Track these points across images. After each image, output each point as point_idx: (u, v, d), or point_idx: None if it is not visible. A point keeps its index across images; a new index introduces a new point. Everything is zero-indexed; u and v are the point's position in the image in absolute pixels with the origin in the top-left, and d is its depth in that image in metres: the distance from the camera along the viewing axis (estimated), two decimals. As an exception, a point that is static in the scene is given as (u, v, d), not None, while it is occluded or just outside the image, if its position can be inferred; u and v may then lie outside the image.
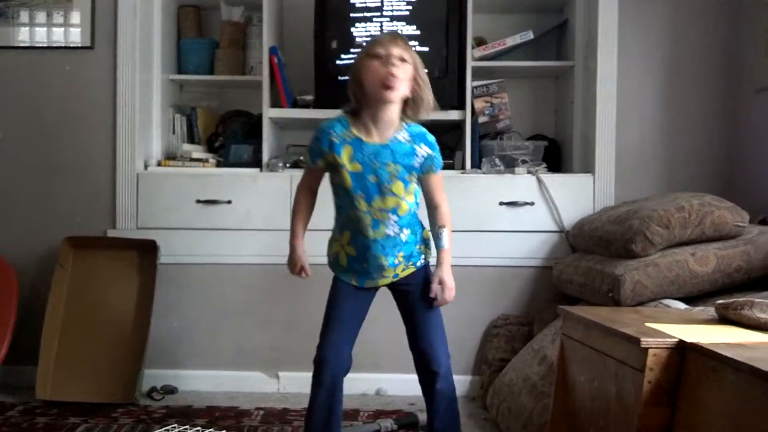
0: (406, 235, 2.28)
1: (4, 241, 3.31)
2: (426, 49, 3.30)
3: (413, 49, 2.25)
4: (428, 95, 2.25)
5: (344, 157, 2.21)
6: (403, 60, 2.17)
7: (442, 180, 2.34)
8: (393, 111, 2.21)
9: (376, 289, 2.37)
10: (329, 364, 2.25)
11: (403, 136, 2.23)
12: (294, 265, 2.39)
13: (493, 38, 3.48)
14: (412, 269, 2.33)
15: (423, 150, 2.25)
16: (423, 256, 2.36)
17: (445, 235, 2.32)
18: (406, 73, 2.18)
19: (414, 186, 2.27)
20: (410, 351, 2.38)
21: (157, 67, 3.48)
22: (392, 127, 2.23)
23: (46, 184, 3.38)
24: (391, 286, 2.35)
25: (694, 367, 1.56)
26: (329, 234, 3.14)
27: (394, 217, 2.24)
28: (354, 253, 2.29)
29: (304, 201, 2.39)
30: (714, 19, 3.36)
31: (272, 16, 3.40)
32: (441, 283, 2.30)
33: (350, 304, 2.36)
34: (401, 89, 2.18)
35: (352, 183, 2.20)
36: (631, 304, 2.53)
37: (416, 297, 2.33)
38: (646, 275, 2.53)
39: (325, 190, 2.38)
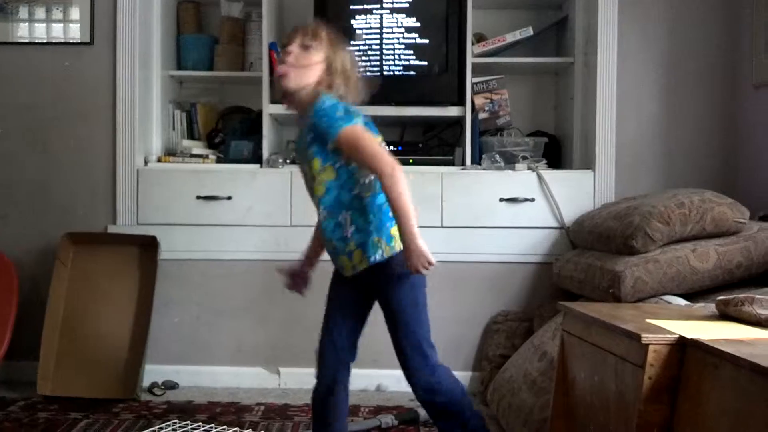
0: (346, 221, 2.09)
1: (4, 237, 3.31)
2: (426, 43, 3.30)
3: (337, 42, 2.16)
4: (344, 81, 2.13)
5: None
6: (305, 47, 2.09)
7: (365, 142, 2.06)
8: (302, 98, 2.10)
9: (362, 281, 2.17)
10: (322, 354, 2.24)
11: (309, 115, 2.08)
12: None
13: (492, 34, 3.48)
14: (365, 264, 2.11)
15: (314, 118, 2.05)
16: (380, 251, 2.09)
17: (396, 200, 2.03)
18: (303, 60, 2.08)
19: (335, 164, 2.07)
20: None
21: (157, 63, 3.48)
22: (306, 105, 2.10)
23: (45, 180, 3.38)
24: (359, 282, 2.18)
25: (694, 364, 1.56)
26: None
27: (318, 200, 2.12)
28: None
29: None
30: (713, 14, 3.36)
31: (271, 12, 3.40)
32: (405, 249, 2.02)
33: (340, 291, 2.27)
34: (294, 78, 2.08)
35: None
36: (631, 300, 2.53)
37: (382, 298, 2.19)
38: (646, 271, 2.54)
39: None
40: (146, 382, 3.21)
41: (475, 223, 3.25)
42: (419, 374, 2.15)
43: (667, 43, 3.37)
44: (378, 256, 2.09)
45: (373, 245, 2.09)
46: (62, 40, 3.44)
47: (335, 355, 2.24)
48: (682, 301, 2.43)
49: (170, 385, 3.25)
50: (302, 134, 2.14)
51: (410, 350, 2.17)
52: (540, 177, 3.24)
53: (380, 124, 3.60)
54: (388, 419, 2.73)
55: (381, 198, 2.09)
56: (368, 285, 2.18)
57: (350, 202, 2.09)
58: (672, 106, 3.37)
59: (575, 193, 3.26)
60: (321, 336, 2.25)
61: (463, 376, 3.27)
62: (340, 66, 2.12)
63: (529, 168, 3.28)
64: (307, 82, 2.09)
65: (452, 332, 3.30)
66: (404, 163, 3.32)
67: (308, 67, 2.09)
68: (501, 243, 3.26)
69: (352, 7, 3.34)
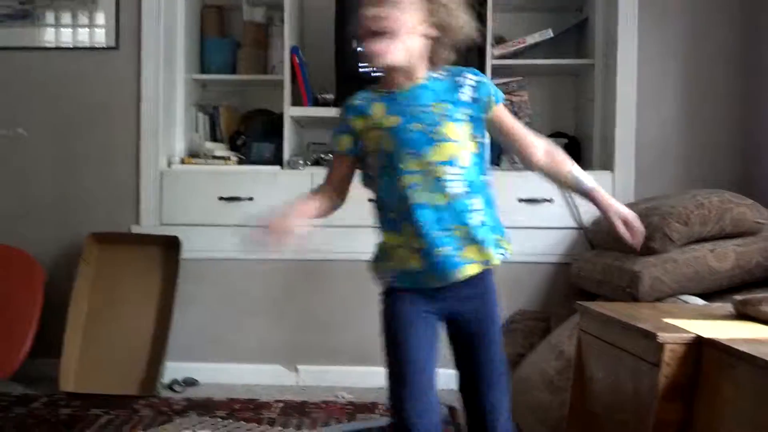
0: (478, 202, 1.76)
1: (30, 236, 3.37)
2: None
3: None
4: (458, 23, 1.75)
5: (377, 113, 1.75)
6: (395, 6, 1.66)
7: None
8: (410, 60, 1.72)
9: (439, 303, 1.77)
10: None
11: (439, 73, 1.78)
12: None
13: (512, 36, 3.49)
14: (479, 267, 1.76)
15: (469, 79, 1.76)
16: (505, 251, 1.83)
17: (580, 173, 1.84)
18: (397, 24, 1.66)
19: (472, 133, 1.74)
20: (461, 396, 1.87)
21: (181, 67, 3.53)
22: (421, 70, 1.75)
23: (71, 182, 3.43)
24: (442, 298, 1.76)
25: (711, 363, 1.56)
26: (345, 230, 3.16)
27: (455, 170, 1.70)
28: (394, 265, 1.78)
29: (322, 193, 1.88)
30: (733, 16, 3.34)
31: (293, 17, 3.43)
32: (623, 219, 1.80)
33: (422, 320, 1.79)
34: (391, 51, 1.67)
35: (395, 142, 1.70)
36: (649, 300, 2.53)
37: (479, 322, 1.78)
38: (664, 271, 2.53)
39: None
40: (167, 379, 3.25)
41: (494, 224, 3.26)
42: (505, 416, 1.77)
43: (687, 45, 3.36)
44: (502, 257, 1.80)
45: (497, 244, 1.80)
46: (88, 45, 3.50)
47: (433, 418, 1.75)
48: (699, 301, 2.42)
49: (190, 382, 3.28)
50: (427, 88, 1.74)
51: (501, 402, 1.78)
52: (559, 178, 3.24)
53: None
54: (406, 418, 2.73)
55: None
56: (454, 300, 1.78)
57: (482, 187, 1.77)
58: (691, 108, 3.35)
59: (594, 194, 3.25)
60: (407, 398, 1.76)
61: (481, 376, 3.28)
62: (444, 11, 1.73)
63: (548, 169, 3.28)
64: (407, 50, 1.69)
65: (471, 333, 3.30)
66: (423, 164, 3.35)
67: (400, 33, 1.67)
68: (519, 243, 3.22)
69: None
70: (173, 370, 3.28)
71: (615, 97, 3.28)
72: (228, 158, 3.45)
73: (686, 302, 2.42)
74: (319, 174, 3.26)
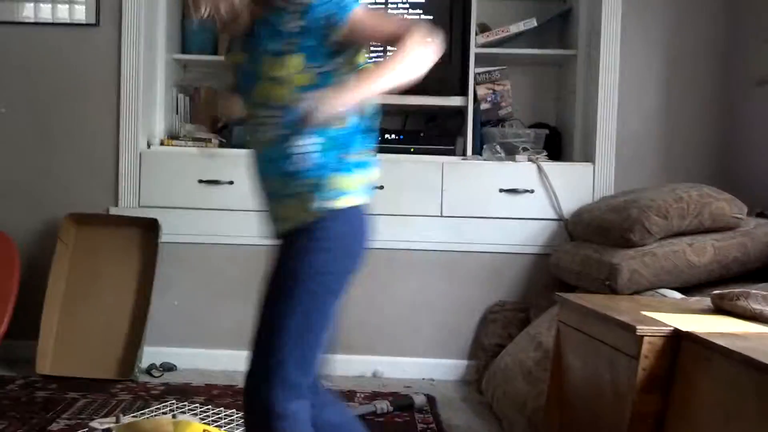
0: (312, 144, 1.56)
1: (6, 215, 3.33)
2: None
3: None
4: None
5: (233, 49, 1.70)
6: None
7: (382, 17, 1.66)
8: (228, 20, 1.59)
9: None
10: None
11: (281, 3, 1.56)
12: None
13: (496, 25, 3.48)
14: (291, 224, 1.62)
15: (293, 5, 1.53)
16: (326, 199, 1.58)
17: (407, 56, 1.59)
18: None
19: (306, 65, 1.54)
20: None
21: (162, 47, 3.49)
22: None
23: (48, 160, 3.39)
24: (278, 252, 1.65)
25: (688, 356, 1.58)
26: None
27: (269, 113, 1.58)
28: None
29: None
30: (716, 10, 3.36)
31: (277, -2, 3.40)
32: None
33: None
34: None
35: (237, 80, 1.69)
36: (627, 292, 2.55)
37: (272, 276, 1.68)
38: (643, 264, 2.56)
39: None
40: (145, 364, 3.23)
41: (474, 213, 3.27)
42: (257, 380, 1.63)
43: (670, 38, 3.37)
44: (325, 207, 1.58)
45: (323, 191, 1.58)
46: (68, 21, 3.44)
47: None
48: (677, 295, 2.45)
49: (168, 367, 3.27)
50: (260, 27, 1.58)
51: (259, 343, 1.67)
52: (540, 168, 3.26)
53: (383, 112, 3.62)
54: (383, 405, 2.75)
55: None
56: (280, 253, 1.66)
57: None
58: (673, 101, 3.38)
59: (575, 185, 3.27)
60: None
61: (458, 364, 3.31)
62: None
63: (529, 159, 3.30)
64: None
65: (449, 320, 3.32)
66: (405, 151, 3.37)
67: None
68: (500, 233, 3.28)
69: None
70: (151, 354, 3.26)
71: (597, 88, 3.29)
72: (209, 141, 3.42)
73: (664, 296, 2.44)
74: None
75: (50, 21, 3.44)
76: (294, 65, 1.53)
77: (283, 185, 1.60)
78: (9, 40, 3.42)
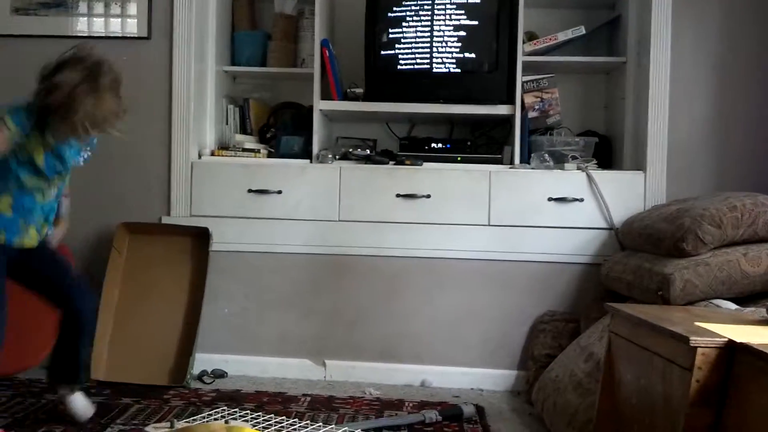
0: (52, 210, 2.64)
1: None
2: (476, 41, 3.31)
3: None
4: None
5: (46, 142, 2.47)
6: None
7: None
8: None
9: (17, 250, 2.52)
10: None
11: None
12: None
13: (544, 33, 3.47)
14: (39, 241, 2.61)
15: (87, 152, 2.70)
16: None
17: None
18: None
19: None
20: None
21: (212, 59, 3.55)
22: None
23: (103, 171, 3.45)
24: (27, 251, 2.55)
25: (743, 368, 1.55)
26: (372, 225, 3.17)
27: (56, 193, 2.64)
28: (10, 214, 2.47)
29: None
30: (768, 15, 3.30)
31: (324, 9, 3.44)
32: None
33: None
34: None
35: (44, 163, 2.46)
36: (680, 303, 2.51)
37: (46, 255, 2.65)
38: (696, 274, 2.51)
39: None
40: (196, 370, 3.28)
41: (522, 222, 3.25)
42: None
43: (722, 44, 3.31)
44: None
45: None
46: (120, 35, 3.53)
47: None
48: (732, 305, 2.40)
49: (219, 374, 3.32)
50: (74, 154, 2.62)
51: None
52: (590, 177, 3.23)
53: (428, 121, 3.65)
54: (432, 415, 2.75)
55: None
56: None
57: None
58: (725, 108, 3.32)
59: (625, 194, 3.23)
60: None
61: (508, 374, 3.29)
62: None
63: (578, 168, 3.27)
64: None
65: (498, 331, 3.31)
66: (452, 160, 3.38)
67: None
68: (549, 243, 3.25)
69: (403, 7, 3.36)
70: (202, 361, 3.31)
71: (647, 95, 3.25)
72: (257, 151, 3.47)
73: (719, 306, 2.40)
74: (348, 168, 3.31)
75: (103, 35, 3.53)
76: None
77: None
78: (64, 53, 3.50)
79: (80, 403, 2.68)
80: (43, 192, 2.54)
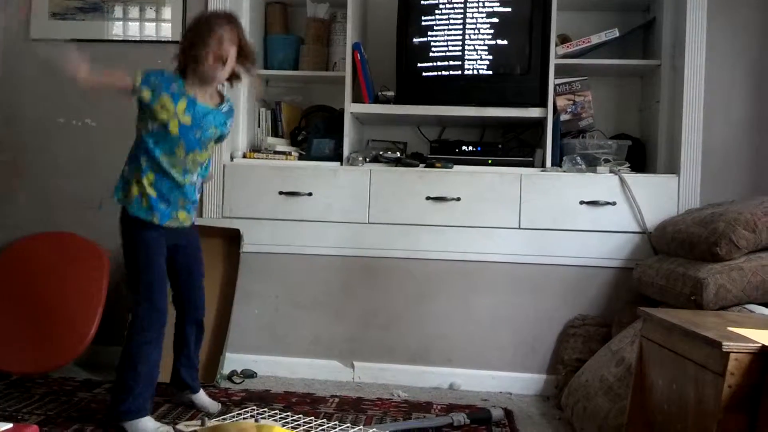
0: (198, 188, 2.73)
1: (97, 225, 3.46)
2: (509, 44, 3.30)
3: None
4: (250, 70, 2.73)
5: (179, 107, 2.56)
6: (231, 43, 2.57)
7: None
8: (216, 84, 2.68)
9: (173, 230, 2.65)
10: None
11: (223, 108, 2.71)
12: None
13: (577, 36, 3.44)
14: (190, 222, 2.72)
15: (230, 124, 2.79)
16: (195, 216, 2.78)
17: None
18: (233, 58, 2.60)
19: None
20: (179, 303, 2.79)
21: (245, 62, 3.57)
22: (216, 97, 2.71)
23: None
24: (176, 234, 2.67)
25: (777, 374, 1.53)
26: (402, 228, 3.19)
27: (199, 170, 2.70)
28: (155, 194, 2.58)
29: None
30: (808, 18, 3.25)
31: (356, 13, 3.46)
32: None
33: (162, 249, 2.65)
34: (227, 72, 2.62)
35: (179, 130, 2.56)
36: (713, 308, 2.47)
37: (195, 256, 2.79)
38: (730, 279, 2.48)
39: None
40: (226, 370, 3.31)
41: (554, 225, 3.23)
42: None
43: (757, 47, 3.27)
44: (195, 220, 2.84)
45: (195, 211, 2.81)
46: (154, 39, 3.58)
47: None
48: (766, 311, 2.36)
49: (249, 374, 3.34)
50: (213, 114, 2.66)
51: None
52: (622, 180, 3.20)
53: (459, 124, 3.65)
54: (460, 417, 2.74)
55: None
56: (186, 242, 2.78)
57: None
58: (761, 111, 3.27)
59: (659, 197, 3.20)
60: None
61: (537, 378, 3.27)
62: (245, 54, 2.71)
63: (611, 171, 3.24)
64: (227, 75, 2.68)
65: (528, 334, 3.29)
66: (483, 163, 3.37)
67: (231, 64, 2.65)
68: (580, 246, 3.23)
69: (435, 12, 3.35)
70: (233, 361, 3.34)
71: (682, 99, 3.21)
72: (289, 153, 3.49)
73: (752, 312, 2.36)
74: (378, 171, 3.32)
75: (138, 39, 3.58)
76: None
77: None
78: (99, 57, 3.55)
79: (206, 399, 2.87)
80: (180, 171, 2.62)
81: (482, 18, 3.32)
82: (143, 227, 2.59)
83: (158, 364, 2.60)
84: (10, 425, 1.77)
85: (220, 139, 2.78)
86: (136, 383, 2.52)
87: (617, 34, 3.38)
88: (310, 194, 3.36)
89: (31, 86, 3.62)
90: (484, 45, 3.32)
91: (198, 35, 2.55)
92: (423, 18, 3.37)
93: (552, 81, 3.30)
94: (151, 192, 2.57)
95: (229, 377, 3.30)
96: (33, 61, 3.61)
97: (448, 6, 3.35)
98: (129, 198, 2.61)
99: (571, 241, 3.23)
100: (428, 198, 3.29)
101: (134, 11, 3.60)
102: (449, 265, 3.31)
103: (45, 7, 3.60)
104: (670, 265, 2.79)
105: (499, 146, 3.45)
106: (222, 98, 2.74)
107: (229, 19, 2.62)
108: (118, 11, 3.60)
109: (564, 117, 3.45)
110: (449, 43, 3.35)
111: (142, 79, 2.55)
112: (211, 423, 2.05)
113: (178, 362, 2.85)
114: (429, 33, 3.37)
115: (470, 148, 3.43)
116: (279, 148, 3.52)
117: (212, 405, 2.85)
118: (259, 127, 3.70)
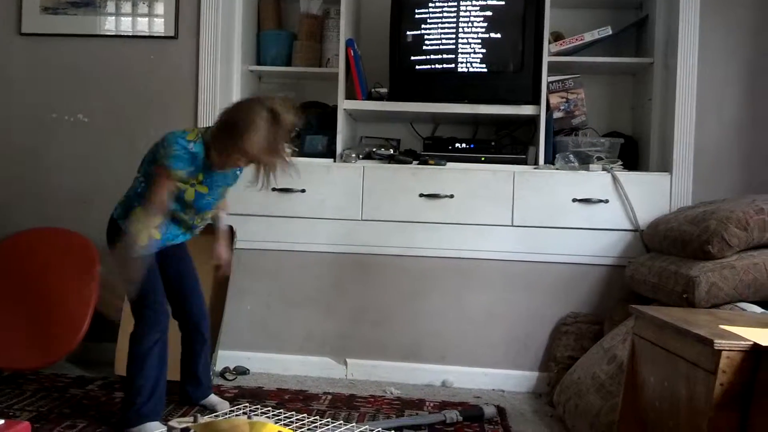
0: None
1: (87, 221, 3.44)
2: (502, 41, 3.30)
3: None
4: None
5: (198, 178, 2.50)
6: (265, 153, 2.45)
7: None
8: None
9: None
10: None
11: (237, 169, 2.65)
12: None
13: (570, 33, 3.45)
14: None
15: (240, 174, 2.70)
16: None
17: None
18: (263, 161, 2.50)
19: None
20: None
21: (238, 58, 3.57)
22: None
23: (129, 168, 3.48)
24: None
25: (768, 372, 1.54)
26: (395, 224, 3.16)
27: (206, 220, 2.72)
28: (159, 237, 2.51)
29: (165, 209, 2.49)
30: (802, 16, 3.26)
31: (349, 9, 3.45)
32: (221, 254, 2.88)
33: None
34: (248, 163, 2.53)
35: (194, 197, 2.52)
36: (705, 306, 2.49)
37: (183, 261, 2.80)
38: (722, 277, 2.49)
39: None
40: (218, 367, 3.31)
41: (546, 222, 3.24)
42: None
43: (750, 45, 3.28)
44: None
45: None
46: (147, 34, 3.56)
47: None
48: (757, 309, 2.37)
49: (241, 371, 3.34)
50: (225, 176, 2.60)
51: None
52: (615, 178, 3.21)
53: (452, 121, 3.65)
54: (452, 415, 2.74)
55: None
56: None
57: None
58: (753, 110, 3.28)
59: (651, 195, 3.20)
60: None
61: (530, 375, 3.28)
62: None
63: (603, 169, 3.25)
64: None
65: (521, 332, 3.30)
66: (476, 161, 3.37)
67: None
68: (573, 244, 3.23)
69: (429, 8, 3.35)
70: (225, 358, 3.34)
71: (674, 97, 3.22)
72: (282, 150, 3.48)
73: (744, 310, 2.37)
74: (372, 168, 3.31)
75: (130, 34, 3.57)
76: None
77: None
78: (92, 52, 3.56)
79: (216, 400, 2.85)
80: (189, 219, 2.62)
81: (476, 11, 3.32)
82: None
83: (165, 363, 2.60)
84: (1, 421, 1.77)
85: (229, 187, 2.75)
86: (147, 385, 2.51)
87: (610, 32, 3.39)
88: (303, 191, 3.35)
89: (22, 82, 3.60)
90: (478, 38, 3.32)
91: (235, 128, 2.38)
92: (416, 10, 3.37)
93: (545, 78, 3.31)
94: (155, 234, 2.48)
95: (222, 374, 3.30)
96: (24, 56, 3.59)
97: (441, 3, 3.34)
98: (130, 230, 2.47)
99: (564, 239, 3.24)
100: (421, 195, 3.29)
101: (127, 6, 3.58)
102: (442, 262, 3.31)
103: (36, 1, 3.58)
104: (662, 263, 2.80)
105: (493, 144, 3.45)
106: None
107: (276, 119, 2.38)
108: (110, 6, 3.58)
109: (557, 115, 3.45)
110: (443, 39, 3.35)
111: (173, 168, 2.42)
112: (204, 419, 2.05)
113: (186, 383, 2.84)
114: (422, 26, 3.37)
115: (463, 145, 3.43)
116: (272, 145, 3.50)
117: (221, 403, 2.83)
118: (252, 123, 3.68)
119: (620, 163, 3.31)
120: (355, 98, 3.43)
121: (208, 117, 3.42)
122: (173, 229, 2.60)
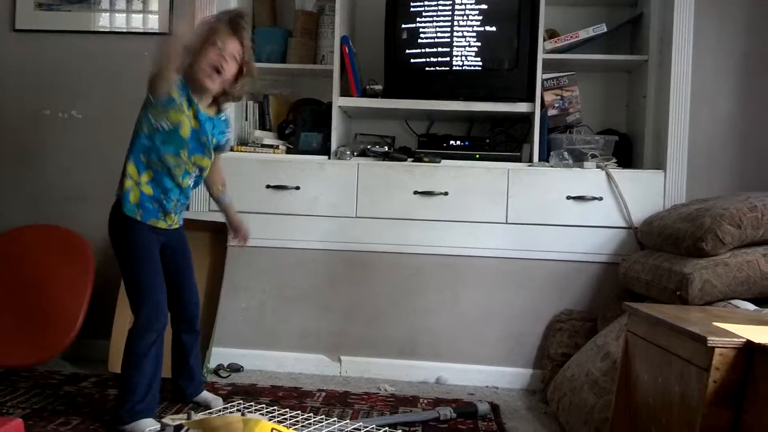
0: (189, 194, 2.70)
1: (81, 218, 3.45)
2: (497, 39, 3.30)
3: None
4: (245, 88, 2.67)
5: (191, 111, 2.55)
6: (231, 58, 2.54)
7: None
8: (209, 95, 2.61)
9: (161, 230, 2.62)
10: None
11: (221, 116, 2.71)
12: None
13: (565, 30, 3.45)
14: (177, 225, 2.70)
15: (228, 134, 2.77)
16: (182, 219, 2.75)
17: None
18: (230, 73, 2.56)
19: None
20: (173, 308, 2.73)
21: (232, 55, 3.55)
22: (213, 109, 2.67)
23: (122, 165, 3.49)
24: (164, 235, 2.64)
25: (761, 369, 1.54)
26: (389, 222, 3.16)
27: (198, 175, 2.65)
28: (151, 192, 2.56)
29: None
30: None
31: (344, 6, 3.44)
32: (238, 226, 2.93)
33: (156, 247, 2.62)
34: (218, 84, 2.56)
35: (190, 134, 2.54)
36: (699, 303, 2.49)
37: (184, 255, 2.75)
38: (715, 275, 2.49)
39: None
40: (212, 364, 3.30)
41: (541, 220, 3.24)
42: None
43: (744, 43, 3.29)
44: (182, 223, 2.80)
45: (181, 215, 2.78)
46: (141, 30, 3.55)
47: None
48: (751, 306, 2.38)
49: (235, 368, 3.33)
50: (213, 123, 2.65)
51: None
52: (609, 176, 3.21)
53: (447, 118, 3.65)
54: (446, 411, 2.75)
55: None
56: (175, 243, 2.75)
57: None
58: (747, 108, 3.29)
59: (645, 193, 3.21)
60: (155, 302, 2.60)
61: (523, 372, 3.28)
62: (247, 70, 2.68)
63: (598, 166, 3.25)
64: (221, 88, 2.62)
65: (514, 328, 3.30)
66: (470, 158, 3.36)
67: (228, 78, 2.61)
68: (567, 241, 3.24)
69: (424, 5, 3.35)
70: (219, 355, 3.34)
71: (669, 94, 3.22)
72: (276, 147, 3.48)
73: (737, 307, 2.38)
74: (366, 165, 3.31)
75: (125, 30, 3.56)
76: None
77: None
78: (85, 48, 3.55)
79: (209, 396, 2.86)
80: (181, 172, 2.59)
81: (471, 12, 3.31)
82: (133, 226, 2.55)
83: (161, 362, 2.59)
84: (-6, 419, 1.76)
85: (220, 149, 2.75)
86: (142, 383, 2.51)
87: (605, 30, 3.39)
88: (297, 188, 3.35)
89: (16, 78, 3.59)
90: (473, 32, 3.31)
91: (199, 39, 2.53)
92: (412, 4, 3.36)
93: (540, 76, 3.31)
94: (146, 190, 2.54)
95: (216, 371, 3.30)
96: (18, 52, 3.58)
97: (436, 1, 3.34)
98: (122, 191, 2.56)
99: (558, 236, 3.24)
100: (416, 192, 3.29)
101: (121, 2, 3.57)
102: (437, 260, 3.31)
103: (30, -3, 3.57)
104: (655, 261, 2.80)
105: (487, 141, 3.45)
106: (218, 110, 2.70)
107: (235, 28, 2.57)
108: (104, 2, 3.58)
109: (551, 112, 3.45)
110: (438, 36, 3.35)
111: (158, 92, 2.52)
112: (198, 416, 2.05)
113: (179, 378, 2.83)
114: (417, 19, 3.36)
115: (458, 142, 3.43)
116: (266, 142, 3.50)
117: (215, 400, 2.83)
118: (246, 120, 3.68)
119: (614, 160, 3.31)
120: (349, 95, 3.42)
121: (202, 114, 3.40)
122: (165, 183, 2.56)
